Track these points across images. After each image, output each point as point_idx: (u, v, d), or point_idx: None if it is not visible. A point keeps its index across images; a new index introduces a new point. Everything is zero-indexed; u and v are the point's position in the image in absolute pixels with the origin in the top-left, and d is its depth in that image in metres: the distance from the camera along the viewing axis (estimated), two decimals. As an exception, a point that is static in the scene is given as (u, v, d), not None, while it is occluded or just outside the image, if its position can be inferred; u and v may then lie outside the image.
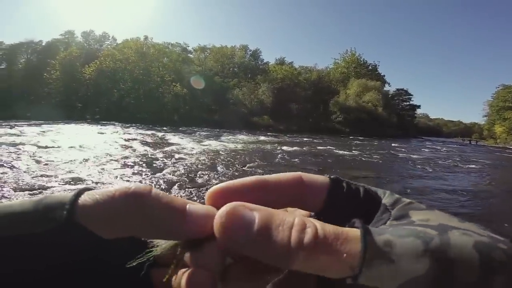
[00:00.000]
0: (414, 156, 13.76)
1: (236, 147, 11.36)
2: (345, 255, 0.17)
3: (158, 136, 14.38)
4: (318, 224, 0.18)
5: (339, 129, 35.07)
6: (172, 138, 14.31)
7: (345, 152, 12.62)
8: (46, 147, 8.10)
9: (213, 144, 11.86)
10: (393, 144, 22.18)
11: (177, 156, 8.29)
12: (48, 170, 5.42)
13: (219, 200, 0.22)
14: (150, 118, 26.22)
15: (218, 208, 0.19)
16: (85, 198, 0.19)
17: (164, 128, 19.89)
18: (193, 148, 10.49)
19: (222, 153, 9.62)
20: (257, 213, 0.19)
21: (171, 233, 0.20)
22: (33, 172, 5.14)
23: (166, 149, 9.76)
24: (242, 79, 39.67)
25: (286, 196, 0.24)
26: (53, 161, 6.28)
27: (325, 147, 13.98)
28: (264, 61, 47.65)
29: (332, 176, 0.25)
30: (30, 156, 6.53)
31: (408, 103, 53.65)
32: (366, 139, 26.79)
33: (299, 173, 0.25)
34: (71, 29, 43.59)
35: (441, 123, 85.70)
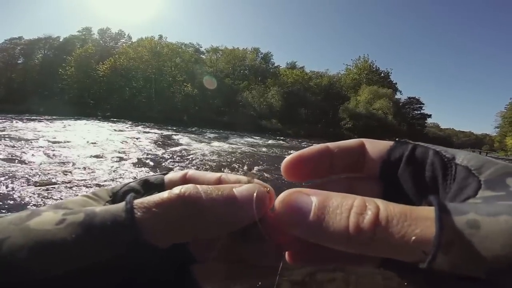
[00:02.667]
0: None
1: (244, 149, 11.39)
2: (414, 238, 0.15)
3: (167, 136, 14.50)
4: (382, 204, 0.17)
5: (348, 136, 34.70)
6: (181, 138, 14.39)
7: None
8: (57, 142, 8.17)
9: (222, 145, 11.91)
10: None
11: (185, 156, 8.33)
12: (58, 165, 5.45)
13: (292, 170, 0.23)
14: (160, 117, 26.51)
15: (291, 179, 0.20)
16: (142, 213, 0.18)
17: (174, 128, 20.10)
18: (201, 148, 10.51)
19: (230, 155, 9.64)
20: (314, 197, 0.18)
21: (228, 225, 0.19)
22: (43, 166, 5.18)
23: (174, 148, 9.80)
24: (252, 82, 39.78)
25: (347, 161, 0.24)
26: (63, 156, 6.35)
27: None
28: (275, 65, 47.75)
29: (398, 139, 0.24)
30: (40, 151, 6.60)
31: (419, 112, 52.87)
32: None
33: (361, 139, 0.25)
34: (88, 26, 44.53)
35: (451, 133, 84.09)
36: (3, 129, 10.56)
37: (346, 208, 0.17)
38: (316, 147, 0.25)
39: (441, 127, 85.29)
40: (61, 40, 41.26)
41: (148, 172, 5.76)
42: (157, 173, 0.25)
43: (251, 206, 0.19)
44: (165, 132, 16.12)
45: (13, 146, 6.94)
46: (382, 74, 49.99)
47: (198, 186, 0.19)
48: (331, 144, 0.25)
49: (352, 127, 36.71)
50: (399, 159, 0.22)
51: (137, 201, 0.18)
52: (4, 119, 14.85)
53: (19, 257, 0.15)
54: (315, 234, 0.17)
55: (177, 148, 9.92)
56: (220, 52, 44.86)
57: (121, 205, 0.18)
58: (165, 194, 0.19)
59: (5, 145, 6.93)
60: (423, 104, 52.79)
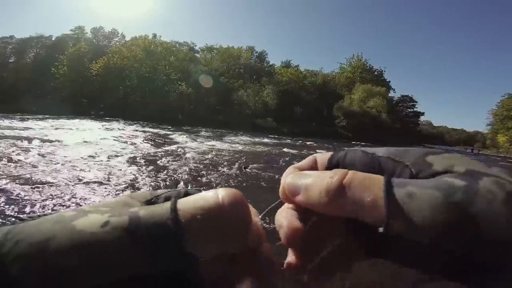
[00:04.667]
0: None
1: (239, 148, 11.45)
2: (369, 198, 0.18)
3: (161, 135, 14.47)
4: (351, 172, 0.20)
5: (342, 134, 35.08)
6: (175, 137, 14.38)
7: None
8: (49, 141, 8.10)
9: (216, 144, 11.95)
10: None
11: (180, 155, 8.31)
12: (50, 164, 5.43)
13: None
14: (154, 116, 26.40)
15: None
16: (187, 222, 0.17)
17: (168, 127, 20.04)
18: (196, 147, 10.52)
19: (225, 153, 9.65)
20: (309, 177, 0.22)
21: (247, 243, 0.19)
22: (35, 166, 5.18)
23: (169, 147, 9.80)
24: (247, 81, 39.78)
25: None
26: (55, 155, 6.31)
27: (326, 151, 14.01)
28: (270, 64, 47.81)
29: (335, 149, 0.25)
30: (32, 150, 6.56)
31: (412, 110, 53.45)
32: (369, 144, 26.74)
33: (314, 155, 0.29)
34: (81, 25, 44.04)
35: (444, 131, 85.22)
36: (-6, 128, 10.45)
37: (322, 177, 0.21)
38: (292, 167, 0.28)
39: (434, 124, 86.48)
40: (53, 39, 40.76)
41: (143, 172, 5.79)
42: (195, 189, 0.24)
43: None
44: (159, 131, 16.10)
45: (4, 145, 6.89)
46: (376, 73, 50.40)
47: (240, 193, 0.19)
48: (297, 166, 0.28)
49: (346, 125, 37.01)
50: (336, 164, 0.26)
51: (182, 205, 0.17)
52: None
53: (65, 258, 0.15)
54: (305, 198, 0.21)
55: (171, 147, 9.93)
56: (214, 51, 44.76)
57: (166, 210, 0.17)
58: (210, 198, 0.18)
59: (-2, 145, 6.87)
60: (416, 102, 53.39)
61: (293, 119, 35.69)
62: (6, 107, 24.96)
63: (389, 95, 47.21)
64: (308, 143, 18.16)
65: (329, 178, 0.20)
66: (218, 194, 0.18)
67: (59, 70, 32.51)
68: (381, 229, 0.17)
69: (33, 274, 0.14)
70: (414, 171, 0.21)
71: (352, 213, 0.18)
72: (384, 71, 51.89)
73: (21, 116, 18.14)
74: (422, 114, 55.14)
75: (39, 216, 0.18)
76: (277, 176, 6.34)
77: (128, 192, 4.29)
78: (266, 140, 17.31)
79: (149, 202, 0.21)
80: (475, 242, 0.15)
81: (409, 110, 52.93)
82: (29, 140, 7.95)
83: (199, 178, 5.73)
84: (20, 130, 10.37)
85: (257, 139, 17.09)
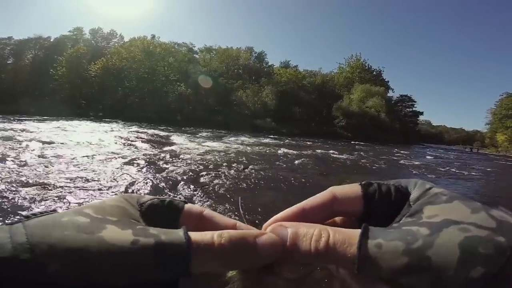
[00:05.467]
0: (415, 163, 13.81)
1: (238, 149, 11.43)
2: (349, 255, 0.22)
3: (160, 135, 14.44)
4: (332, 232, 0.24)
5: (341, 134, 35.10)
6: (175, 138, 14.35)
7: (345, 157, 12.69)
8: (47, 143, 8.09)
9: (216, 145, 11.93)
10: (394, 150, 22.21)
11: (179, 155, 8.29)
12: (48, 166, 5.42)
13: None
14: (153, 117, 26.35)
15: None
16: (197, 250, 0.21)
17: (167, 128, 20.01)
18: (195, 148, 10.53)
19: (224, 154, 9.64)
20: (289, 229, 0.25)
21: (249, 265, 0.25)
22: (33, 167, 5.17)
23: (168, 148, 9.79)
24: (246, 81, 39.77)
25: (323, 214, 0.29)
26: (53, 157, 6.30)
27: (325, 151, 14.05)
28: (269, 64, 47.83)
29: (363, 182, 0.30)
30: (29, 151, 6.57)
31: (411, 110, 53.59)
32: (368, 144, 26.81)
33: (330, 189, 0.30)
34: (79, 26, 43.96)
35: (443, 130, 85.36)
36: (-7, 130, 10.43)
37: (308, 237, 0.24)
38: (291, 209, 0.29)
39: (433, 124, 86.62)
40: (52, 40, 40.67)
41: (143, 173, 5.77)
42: (180, 200, 0.29)
43: (271, 252, 0.24)
44: (159, 132, 16.06)
45: (3, 146, 6.87)
46: (375, 73, 50.51)
47: (241, 233, 0.24)
48: (304, 203, 0.30)
49: (345, 125, 37.03)
50: (371, 200, 0.29)
51: (194, 238, 0.21)
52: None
53: (100, 266, 0.18)
54: (292, 254, 0.24)
55: (170, 148, 9.90)
56: (213, 52, 44.74)
57: (181, 237, 0.21)
58: (216, 237, 0.22)
59: (-4, 146, 6.86)
60: (415, 101, 53.58)
61: (292, 119, 35.68)
62: (5, 108, 24.87)
63: (388, 95, 47.39)
64: (308, 143, 18.16)
65: (316, 236, 0.24)
66: (224, 234, 0.23)
67: (58, 71, 32.43)
68: (355, 271, 0.22)
69: (70, 275, 0.17)
70: (411, 213, 0.26)
71: (338, 265, 0.25)
72: (383, 71, 52.11)
73: (19, 118, 18.10)
74: (421, 113, 55.39)
75: (41, 213, 0.21)
76: (276, 176, 6.34)
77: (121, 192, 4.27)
78: (265, 140, 17.31)
79: (140, 205, 0.26)
80: (428, 277, 0.20)
81: (408, 109, 53.08)
82: (26, 142, 7.90)
83: (198, 179, 5.70)
84: (17, 131, 10.35)
85: (256, 140, 17.08)
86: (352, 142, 28.08)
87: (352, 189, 0.30)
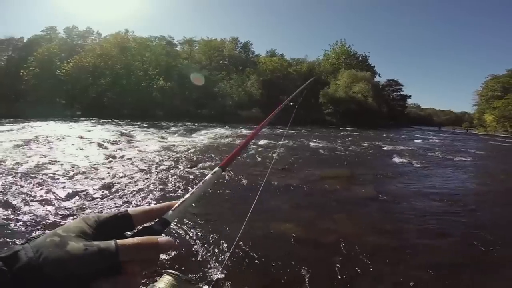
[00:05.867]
0: (401, 148, 13.27)
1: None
2: None
3: (139, 132, 13.69)
4: None
5: (329, 121, 34.50)
6: (155, 133, 13.73)
7: (325, 145, 12.06)
8: (18, 146, 7.95)
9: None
10: (383, 135, 21.75)
11: (160, 151, 8.15)
12: (26, 170, 5.46)
13: None
14: (133, 114, 25.25)
15: None
16: (125, 249, 0.34)
17: (148, 123, 19.08)
18: (175, 142, 10.35)
19: (204, 147, 9.43)
20: None
21: (154, 253, 0.36)
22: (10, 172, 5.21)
23: (147, 144, 9.48)
24: (232, 72, 38.62)
25: None
26: (29, 160, 6.26)
27: (306, 140, 13.40)
28: (256, 54, 46.65)
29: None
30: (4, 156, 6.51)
31: (399, 94, 53.34)
32: (355, 129, 26.34)
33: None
34: (53, 25, 41.78)
35: (432, 112, 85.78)
36: None
37: None
38: None
39: (422, 107, 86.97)
40: (24, 41, 38.58)
41: (123, 171, 5.07)
42: (122, 211, 0.40)
43: (167, 246, 0.36)
44: (137, 129, 15.25)
45: None
46: (360, 58, 49.85)
47: (148, 238, 0.36)
48: None
49: (332, 111, 36.41)
50: None
51: (121, 242, 0.34)
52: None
53: (71, 267, 0.31)
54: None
55: (150, 144, 9.46)
56: (195, 44, 43.28)
57: (113, 245, 0.33)
58: (136, 239, 0.35)
59: None
60: (402, 85, 53.25)
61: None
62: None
63: (375, 80, 46.83)
64: (291, 131, 17.44)
65: None
66: (141, 239, 0.36)
67: (29, 72, 30.69)
68: None
69: (56, 272, 0.30)
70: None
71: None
72: (369, 56, 51.41)
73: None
74: (409, 97, 55.17)
75: (37, 236, 0.33)
76: (232, 173, 5.68)
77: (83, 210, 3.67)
78: (245, 131, 16.52)
79: (99, 225, 0.37)
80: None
81: (396, 93, 52.81)
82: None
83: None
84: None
85: (233, 131, 16.29)
86: (340, 128, 27.56)
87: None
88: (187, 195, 0.43)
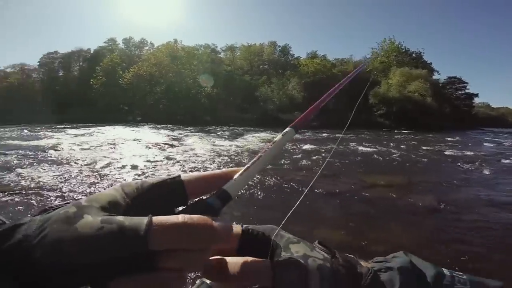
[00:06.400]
0: (467, 153, 11.66)
1: (264, 144, 10.88)
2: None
3: (190, 136, 14.63)
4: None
5: (381, 123, 32.21)
6: (204, 137, 14.55)
7: (377, 149, 11.22)
8: (86, 149, 9.19)
9: (242, 142, 11.95)
10: (446, 138, 19.45)
11: (206, 154, 8.62)
12: (97, 167, 6.28)
13: None
14: (185, 119, 26.94)
15: None
16: (155, 235, 0.23)
17: (197, 128, 20.29)
18: (223, 145, 10.96)
19: (251, 150, 9.77)
20: None
21: (206, 241, 0.25)
22: (83, 170, 6.00)
23: (197, 147, 10.20)
24: (272, 76, 38.82)
25: None
26: (100, 159, 7.22)
27: (355, 143, 12.65)
28: (295, 56, 46.18)
29: (243, 228, 0.37)
30: (80, 157, 7.48)
31: (463, 92, 47.44)
32: (412, 132, 24.10)
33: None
34: (113, 37, 47.11)
35: (506, 112, 74.31)
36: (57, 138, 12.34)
37: None
38: None
39: (492, 106, 76.13)
40: (92, 52, 44.14)
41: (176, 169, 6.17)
42: (173, 175, 0.31)
43: (225, 233, 0.25)
44: (188, 133, 16.35)
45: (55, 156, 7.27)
46: (414, 55, 45.72)
47: (199, 218, 0.24)
48: None
49: (385, 112, 33.90)
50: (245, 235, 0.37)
51: (159, 219, 0.23)
52: (52, 129, 16.21)
53: (73, 253, 0.21)
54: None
55: (199, 147, 10.19)
56: (236, 50, 44.54)
57: (144, 223, 0.23)
58: (181, 217, 0.24)
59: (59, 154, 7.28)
60: (466, 83, 47.15)
61: (324, 110, 33.73)
62: (59, 117, 27.62)
63: (434, 77, 42.47)
64: (338, 135, 16.71)
65: None
66: (181, 217, 0.24)
67: (98, 81, 35.00)
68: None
69: (49, 260, 0.21)
70: (282, 250, 0.34)
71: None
72: (423, 53, 46.88)
73: (67, 125, 19.84)
74: (476, 95, 48.69)
75: (57, 206, 0.26)
76: (267, 178, 5.60)
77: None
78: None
79: (140, 194, 0.28)
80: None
81: (459, 92, 47.08)
82: (72, 148, 9.41)
83: None
84: (63, 139, 11.72)
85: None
86: (395, 131, 25.53)
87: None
88: (253, 160, 0.32)
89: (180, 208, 0.28)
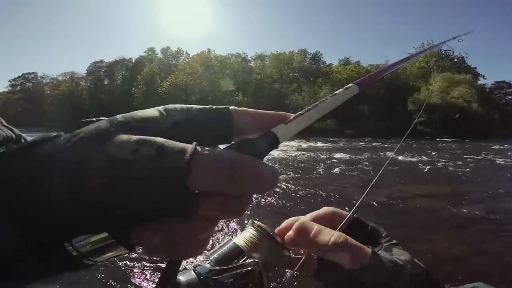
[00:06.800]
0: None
1: (295, 154, 10.89)
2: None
3: None
4: (349, 238, 0.34)
5: (422, 131, 30.28)
6: None
7: (418, 158, 10.64)
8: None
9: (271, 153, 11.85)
10: (494, 146, 17.80)
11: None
12: None
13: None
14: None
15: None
16: (204, 162, 0.18)
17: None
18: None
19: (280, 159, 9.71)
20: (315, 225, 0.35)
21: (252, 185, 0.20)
22: None
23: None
24: (303, 84, 38.60)
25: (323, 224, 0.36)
26: None
27: (397, 153, 12.11)
28: (327, 63, 45.50)
29: (354, 216, 0.40)
30: None
31: (514, 97, 43.16)
32: (456, 140, 22.44)
33: (328, 208, 0.41)
34: (152, 46, 49.97)
35: None
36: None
37: (328, 231, 0.34)
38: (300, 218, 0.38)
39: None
40: (133, 61, 47.11)
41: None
42: (221, 107, 0.27)
43: (272, 178, 0.21)
44: None
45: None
46: (456, 60, 42.67)
47: (250, 159, 0.20)
48: (310, 216, 0.39)
49: (426, 120, 31.84)
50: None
51: (201, 154, 0.18)
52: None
53: (97, 182, 0.17)
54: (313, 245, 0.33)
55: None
56: (266, 58, 45.08)
57: (188, 151, 0.18)
58: (224, 154, 0.19)
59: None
60: (517, 87, 42.89)
61: (359, 118, 32.66)
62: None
63: (479, 82, 39.23)
64: (374, 144, 16.12)
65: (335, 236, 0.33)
66: (230, 153, 0.20)
67: (138, 90, 37.43)
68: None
69: (64, 186, 0.16)
70: (383, 249, 0.37)
71: (344, 260, 0.32)
72: (466, 57, 43.58)
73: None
74: (530, 100, 43.93)
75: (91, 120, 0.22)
76: (313, 189, 5.57)
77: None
78: (318, 144, 16.06)
79: (185, 119, 0.24)
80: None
81: (509, 97, 42.89)
82: None
83: None
84: None
85: (311, 144, 16.02)
86: (437, 139, 23.95)
87: (344, 213, 0.39)
88: (308, 108, 0.28)
89: (222, 147, 0.23)
